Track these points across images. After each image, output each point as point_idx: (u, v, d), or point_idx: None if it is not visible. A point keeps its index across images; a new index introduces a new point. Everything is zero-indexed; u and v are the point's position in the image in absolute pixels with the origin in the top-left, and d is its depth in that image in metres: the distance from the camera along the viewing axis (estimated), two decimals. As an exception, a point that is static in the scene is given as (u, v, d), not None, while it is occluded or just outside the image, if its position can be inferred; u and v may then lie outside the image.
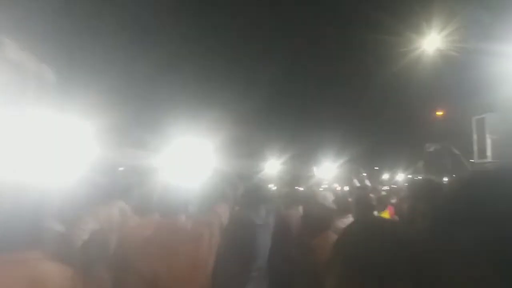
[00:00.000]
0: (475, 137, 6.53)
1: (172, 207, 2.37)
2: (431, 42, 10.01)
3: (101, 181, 3.02)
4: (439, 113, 16.47)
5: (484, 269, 0.76)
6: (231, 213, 3.00)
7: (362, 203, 3.36)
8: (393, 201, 5.62)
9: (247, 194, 2.85)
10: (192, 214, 2.49)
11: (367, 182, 4.08)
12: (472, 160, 6.82)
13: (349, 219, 3.40)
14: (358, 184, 4.49)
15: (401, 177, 18.22)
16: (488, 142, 6.15)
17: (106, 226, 2.65)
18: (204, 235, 2.37)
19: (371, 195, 3.71)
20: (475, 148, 6.49)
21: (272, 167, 13.46)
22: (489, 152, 6.12)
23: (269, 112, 20.63)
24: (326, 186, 8.02)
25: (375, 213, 3.63)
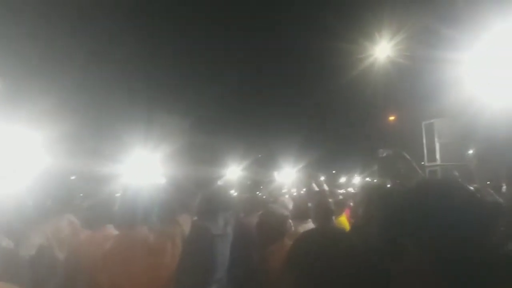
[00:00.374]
0: (424, 141, 6.85)
1: (131, 218, 2.24)
2: (382, 50, 10.43)
3: (50, 192, 2.85)
4: (392, 118, 17.19)
5: (428, 275, 0.79)
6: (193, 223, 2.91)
7: (321, 208, 3.38)
8: (351, 204, 5.75)
9: (204, 203, 2.77)
10: (154, 225, 2.38)
11: (325, 186, 4.14)
12: (423, 163, 7.15)
13: (308, 225, 3.41)
14: (316, 188, 4.53)
15: (357, 180, 18.77)
16: (437, 146, 6.46)
17: (55, 240, 2.49)
18: (167, 248, 2.27)
19: (329, 199, 3.74)
20: (425, 151, 6.80)
21: (232, 173, 13.38)
22: (438, 156, 6.43)
23: (228, 117, 20.60)
24: (286, 191, 8.08)
25: (333, 217, 3.67)
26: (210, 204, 2.75)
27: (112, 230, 2.46)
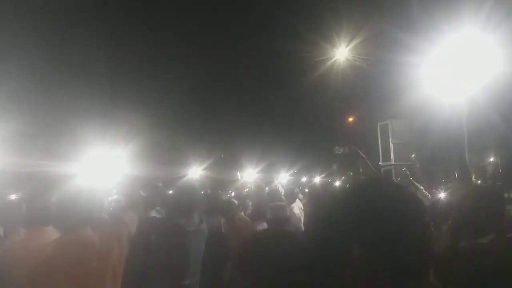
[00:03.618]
0: (380, 141, 7.13)
1: (75, 220, 2.13)
2: (341, 53, 10.73)
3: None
4: (350, 119, 17.71)
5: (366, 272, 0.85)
6: (156, 220, 2.89)
7: (274, 213, 3.36)
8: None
9: (176, 200, 2.75)
10: (98, 225, 2.32)
11: (280, 187, 4.25)
12: (380, 163, 7.43)
13: (263, 226, 3.46)
14: (278, 188, 4.65)
15: (317, 179, 19.17)
16: (391, 146, 6.75)
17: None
18: (113, 249, 2.21)
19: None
20: (380, 151, 7.08)
21: (194, 172, 13.29)
22: (392, 155, 6.72)
23: (191, 116, 20.39)
24: (247, 190, 8.15)
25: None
26: (184, 201, 2.74)
27: (52, 233, 2.30)
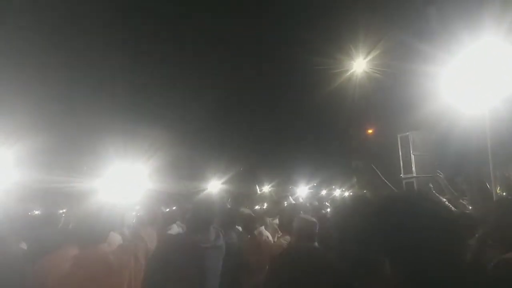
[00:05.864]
0: (400, 153, 7.01)
1: (92, 236, 2.16)
2: (359, 64, 10.69)
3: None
4: (370, 131, 17.52)
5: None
6: (173, 236, 2.90)
7: (302, 232, 3.31)
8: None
9: (193, 215, 2.76)
10: (115, 241, 2.34)
11: (300, 199, 4.22)
12: (401, 175, 7.31)
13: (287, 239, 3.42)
14: (293, 201, 4.62)
15: (337, 193, 18.93)
16: (412, 158, 6.64)
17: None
18: (129, 265, 2.22)
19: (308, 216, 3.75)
20: (401, 163, 6.96)
21: (215, 186, 13.35)
22: (413, 168, 6.60)
23: (211, 131, 20.57)
24: (267, 204, 8.14)
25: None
26: (201, 216, 2.74)
27: (71, 250, 2.31)
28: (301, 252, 1.16)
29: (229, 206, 4.44)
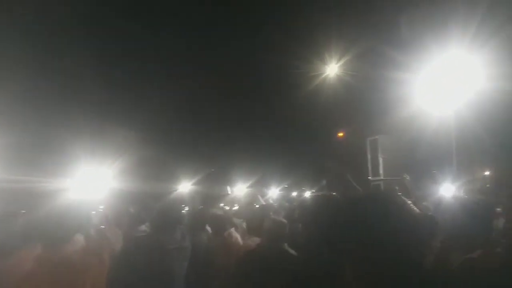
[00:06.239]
0: (369, 156, 7.18)
1: (56, 236, 2.10)
2: (332, 69, 10.88)
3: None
4: (341, 134, 17.83)
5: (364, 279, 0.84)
6: (139, 237, 2.83)
7: (272, 233, 3.29)
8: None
9: (159, 216, 2.70)
10: (79, 241, 2.26)
11: (270, 201, 4.24)
12: (369, 178, 7.48)
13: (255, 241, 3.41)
14: (263, 203, 4.62)
15: (308, 194, 19.14)
16: (380, 161, 6.81)
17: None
18: (93, 266, 2.17)
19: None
20: (369, 166, 7.12)
21: (185, 187, 13.20)
22: (381, 170, 6.77)
23: (182, 132, 20.34)
24: (237, 206, 8.11)
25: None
26: (167, 217, 2.69)
27: (34, 250, 2.23)
28: (265, 253, 1.15)
29: (199, 207, 4.39)
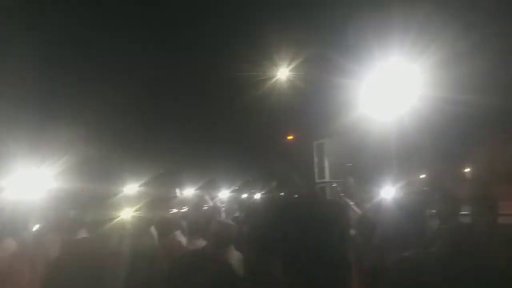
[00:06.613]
0: (316, 159, 7.40)
1: None
2: (281, 73, 11.08)
3: None
4: (290, 137, 18.18)
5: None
6: (76, 242, 2.70)
7: (220, 236, 3.26)
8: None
9: (96, 220, 2.60)
10: (10, 247, 2.12)
11: (218, 203, 4.24)
12: (316, 181, 7.70)
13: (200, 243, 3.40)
14: (212, 205, 4.60)
15: (258, 196, 19.31)
16: (326, 164, 7.04)
17: None
18: (23, 273, 2.04)
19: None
20: (316, 169, 7.34)
21: (132, 188, 12.81)
22: (327, 173, 7.00)
23: (129, 132, 19.69)
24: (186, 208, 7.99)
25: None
26: (102, 221, 2.60)
27: None
28: (207, 256, 1.14)
29: (144, 209, 4.27)
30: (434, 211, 3.77)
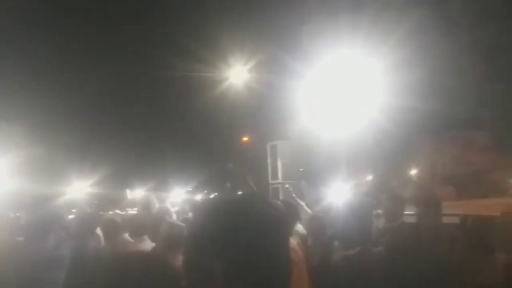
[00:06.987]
0: (269, 161, 7.46)
1: None
2: (237, 74, 11.09)
3: None
4: (245, 138, 18.26)
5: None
6: (7, 246, 2.51)
7: (170, 238, 3.19)
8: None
9: (30, 222, 2.44)
10: None
11: (168, 204, 4.17)
12: (269, 182, 7.77)
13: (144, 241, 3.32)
14: (165, 206, 4.50)
15: (211, 197, 19.16)
16: (279, 165, 7.11)
17: None
18: None
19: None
20: (269, 170, 7.40)
21: (79, 189, 12.23)
22: (280, 174, 7.07)
23: (77, 130, 18.80)
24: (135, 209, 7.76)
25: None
26: (37, 222, 2.43)
27: None
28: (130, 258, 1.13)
29: (89, 210, 4.09)
30: (380, 211, 3.93)
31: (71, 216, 4.11)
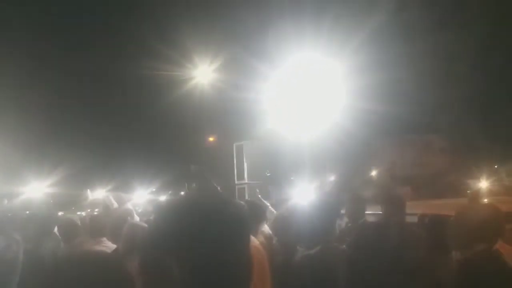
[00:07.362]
0: (235, 161, 7.46)
1: None
2: (203, 74, 11.01)
3: None
4: (211, 138, 18.11)
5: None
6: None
7: (132, 239, 3.13)
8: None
9: None
10: None
11: (129, 205, 4.08)
12: (235, 182, 7.76)
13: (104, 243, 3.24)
14: (127, 207, 4.39)
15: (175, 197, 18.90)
16: (245, 165, 7.12)
17: None
18: None
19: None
20: (235, 171, 7.40)
21: (36, 189, 11.71)
22: (246, 175, 7.08)
23: (36, 127, 18.02)
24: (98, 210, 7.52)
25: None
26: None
27: None
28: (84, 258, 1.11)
29: (45, 210, 3.92)
30: (343, 211, 4.01)
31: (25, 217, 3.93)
